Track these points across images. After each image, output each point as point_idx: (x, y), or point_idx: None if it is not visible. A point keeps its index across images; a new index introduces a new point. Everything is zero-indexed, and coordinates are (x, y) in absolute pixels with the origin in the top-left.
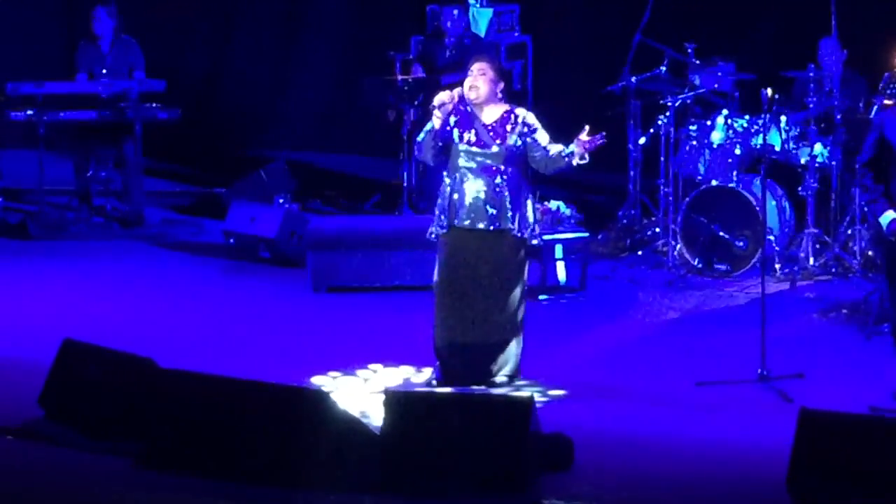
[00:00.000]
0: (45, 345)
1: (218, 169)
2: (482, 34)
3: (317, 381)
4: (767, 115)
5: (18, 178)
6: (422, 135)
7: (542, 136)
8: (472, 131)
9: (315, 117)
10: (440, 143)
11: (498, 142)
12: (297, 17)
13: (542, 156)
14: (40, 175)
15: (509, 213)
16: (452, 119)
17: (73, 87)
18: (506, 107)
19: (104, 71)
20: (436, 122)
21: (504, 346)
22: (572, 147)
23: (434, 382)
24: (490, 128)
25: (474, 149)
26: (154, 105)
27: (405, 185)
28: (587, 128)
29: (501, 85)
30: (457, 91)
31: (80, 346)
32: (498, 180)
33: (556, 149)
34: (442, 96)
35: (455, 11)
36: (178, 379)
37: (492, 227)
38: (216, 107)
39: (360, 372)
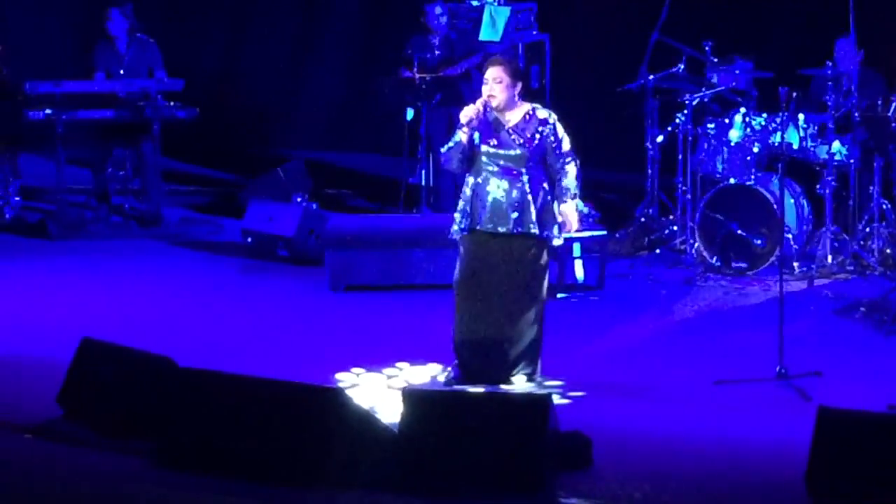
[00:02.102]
0: (63, 343)
1: (236, 168)
2: (500, 33)
3: (335, 379)
4: (785, 113)
5: (37, 177)
6: (448, 146)
7: (565, 144)
8: (494, 137)
9: (332, 116)
10: (467, 152)
11: (520, 143)
12: (313, 16)
13: (557, 172)
14: (59, 174)
15: (532, 216)
16: (476, 133)
17: (91, 87)
18: (527, 107)
19: (122, 71)
20: (463, 137)
21: (523, 345)
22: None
23: (453, 381)
24: (512, 130)
25: (496, 150)
26: (172, 104)
27: (423, 183)
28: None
29: (519, 86)
30: (480, 102)
31: (99, 344)
32: (520, 182)
33: (567, 180)
34: (468, 112)
35: (437, 8)
36: (197, 378)
37: (515, 231)
38: (233, 106)
39: (378, 370)
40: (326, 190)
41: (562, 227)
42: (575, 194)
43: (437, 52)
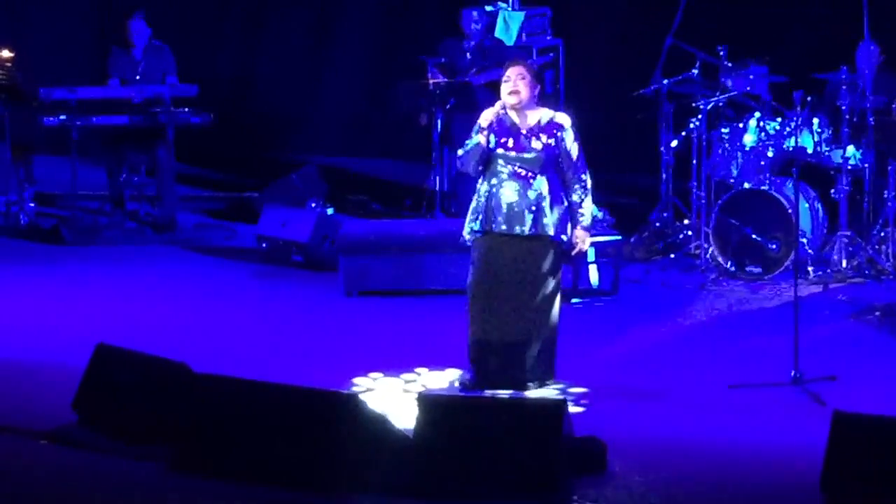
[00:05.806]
0: (78, 349)
1: (250, 173)
2: (513, 37)
3: (349, 384)
4: (800, 118)
5: (52, 183)
6: (465, 149)
7: (574, 152)
8: (510, 139)
9: (347, 121)
10: (484, 155)
11: (536, 146)
12: (328, 21)
13: (569, 182)
14: (73, 180)
15: (546, 218)
16: (492, 136)
17: (105, 92)
18: (543, 111)
19: (137, 77)
20: (481, 139)
21: (537, 349)
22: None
23: (467, 385)
24: (528, 133)
25: (511, 153)
26: (186, 110)
27: (437, 188)
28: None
29: (538, 88)
30: (499, 104)
31: (114, 350)
32: (535, 185)
33: (583, 206)
34: (488, 116)
35: (475, 13)
36: (212, 383)
37: (529, 233)
38: (248, 111)
39: (392, 376)
40: (343, 195)
41: (570, 245)
42: (590, 218)
43: (468, 58)
